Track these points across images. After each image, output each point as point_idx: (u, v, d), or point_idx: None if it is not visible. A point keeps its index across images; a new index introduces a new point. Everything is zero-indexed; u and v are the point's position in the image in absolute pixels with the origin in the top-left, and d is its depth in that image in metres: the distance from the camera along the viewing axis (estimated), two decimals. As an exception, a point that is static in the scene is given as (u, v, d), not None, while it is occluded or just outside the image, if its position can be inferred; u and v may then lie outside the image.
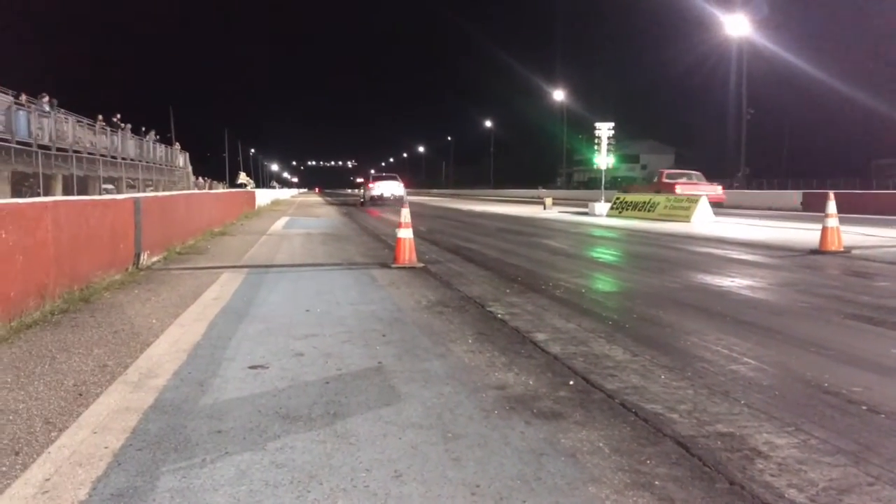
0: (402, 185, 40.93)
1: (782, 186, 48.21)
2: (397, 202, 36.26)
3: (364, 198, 41.67)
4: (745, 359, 4.83)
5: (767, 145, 69.15)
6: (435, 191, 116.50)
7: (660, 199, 24.27)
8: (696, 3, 49.07)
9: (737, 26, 40.35)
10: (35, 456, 3.12)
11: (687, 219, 21.35)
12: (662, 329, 5.86)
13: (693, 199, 22.25)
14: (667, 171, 27.74)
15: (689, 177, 27.47)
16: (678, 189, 25.87)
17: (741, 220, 22.92)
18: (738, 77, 43.98)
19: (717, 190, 27.02)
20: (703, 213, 21.52)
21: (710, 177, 30.67)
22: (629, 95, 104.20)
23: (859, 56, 58.35)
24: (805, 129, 69.04)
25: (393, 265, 9.87)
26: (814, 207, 30.33)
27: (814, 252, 11.63)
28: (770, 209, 32.27)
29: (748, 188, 44.38)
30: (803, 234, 15.25)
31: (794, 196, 33.63)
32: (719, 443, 3.28)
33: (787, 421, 3.57)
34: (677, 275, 9.31)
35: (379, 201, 38.88)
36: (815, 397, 3.98)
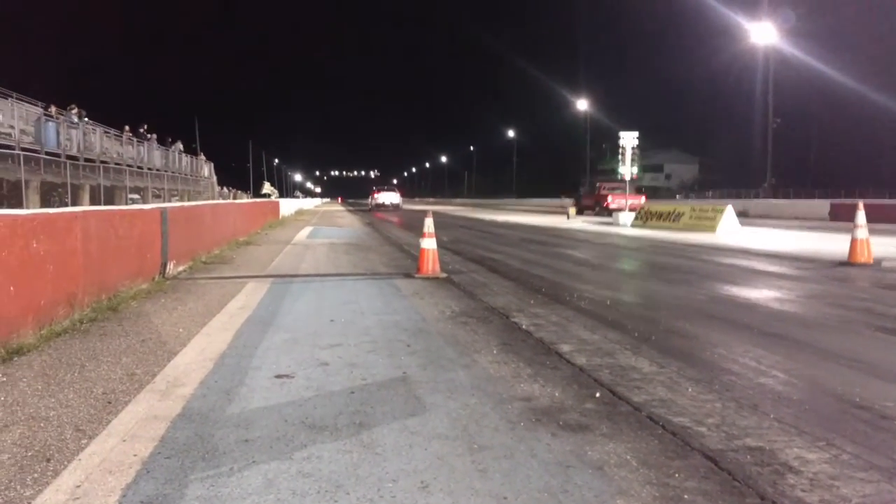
0: (398, 194, 56.69)
1: (809, 196, 47.63)
2: (395, 208, 52.42)
3: (371, 205, 55.65)
4: (774, 372, 4.77)
5: (794, 154, 68.36)
6: (457, 200, 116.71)
7: (685, 209, 24.15)
8: (722, 11, 48.79)
9: (763, 34, 40.06)
10: (66, 463, 3.16)
11: (712, 229, 21.17)
12: (689, 341, 5.81)
13: (718, 210, 22.07)
14: (604, 185, 35.53)
15: (622, 189, 32.24)
16: (609, 198, 35.41)
17: (767, 230, 22.69)
18: (765, 85, 43.61)
19: (640, 200, 33.74)
20: (729, 224, 21.33)
21: (737, 186, 31.88)
22: (653, 104, 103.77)
23: (889, 63, 57.56)
24: (833, 137, 68.16)
25: (416, 275, 9.88)
26: (842, 217, 29.90)
27: (842, 264, 11.47)
28: (797, 219, 31.91)
29: (774, 198, 43.94)
30: (831, 245, 15.04)
31: (822, 206, 33.24)
32: (749, 457, 3.24)
33: (818, 435, 3.52)
34: (703, 286, 9.23)
35: (382, 207, 52.26)
36: (847, 412, 3.92)
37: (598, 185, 39.20)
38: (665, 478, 3.00)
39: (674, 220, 23.83)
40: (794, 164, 68.66)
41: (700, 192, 74.32)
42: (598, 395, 4.23)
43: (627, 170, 27.10)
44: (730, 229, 21.18)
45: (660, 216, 24.93)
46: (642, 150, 29.22)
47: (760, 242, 17.10)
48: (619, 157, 27.35)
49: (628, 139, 26.99)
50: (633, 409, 3.95)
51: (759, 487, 2.91)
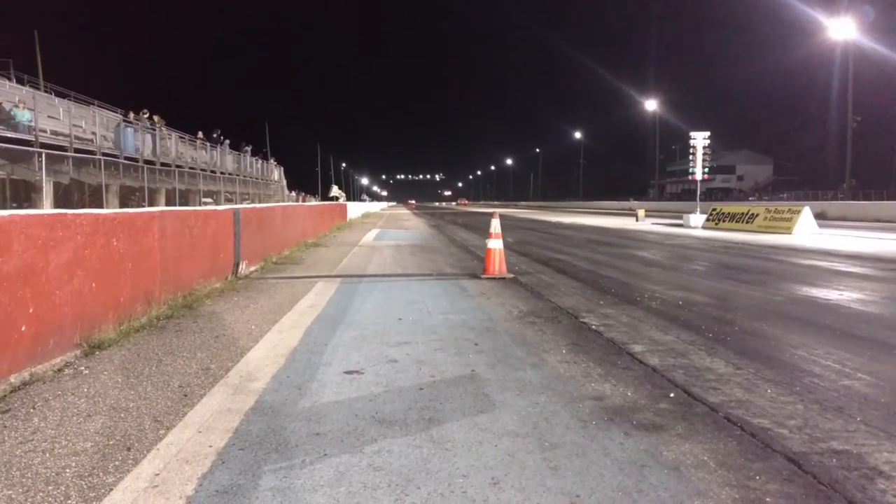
0: (414, 201, 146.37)
1: (892, 198, 45.65)
2: (415, 205, 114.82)
3: (407, 203, 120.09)
4: (860, 374, 4.56)
5: (875, 154, 65.74)
6: (523, 203, 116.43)
7: (759, 210, 23.48)
8: (796, 7, 47.27)
9: (842, 30, 38.62)
10: (145, 452, 3.24)
11: (788, 230, 20.51)
12: (766, 342, 5.61)
13: (795, 210, 21.36)
14: (461, 199, 68.26)
15: (463, 198, 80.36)
16: (459, 201, 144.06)
17: (847, 231, 21.84)
18: (843, 83, 42.00)
19: (465, 201, 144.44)
20: (806, 225, 20.63)
21: (813, 188, 30.65)
22: (724, 104, 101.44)
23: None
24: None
25: (482, 276, 9.85)
26: (927, 219, 28.60)
27: (930, 265, 10.94)
28: (878, 221, 30.63)
29: (853, 199, 42.30)
30: (917, 246, 14.36)
31: (905, 207, 31.81)
32: (834, 460, 3.10)
33: (910, 440, 3.34)
34: (780, 287, 8.91)
35: (409, 204, 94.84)
36: (940, 416, 3.72)
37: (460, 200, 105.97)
38: (745, 480, 2.89)
39: (747, 222, 23.19)
40: (875, 165, 65.98)
41: (774, 194, 72.14)
42: (672, 395, 4.12)
43: (699, 170, 26.51)
44: (807, 231, 20.49)
45: (732, 217, 24.29)
46: (714, 150, 28.56)
47: (840, 244, 16.46)
48: (690, 157, 26.78)
49: (699, 139, 26.42)
50: (709, 410, 3.82)
51: (847, 492, 2.77)
